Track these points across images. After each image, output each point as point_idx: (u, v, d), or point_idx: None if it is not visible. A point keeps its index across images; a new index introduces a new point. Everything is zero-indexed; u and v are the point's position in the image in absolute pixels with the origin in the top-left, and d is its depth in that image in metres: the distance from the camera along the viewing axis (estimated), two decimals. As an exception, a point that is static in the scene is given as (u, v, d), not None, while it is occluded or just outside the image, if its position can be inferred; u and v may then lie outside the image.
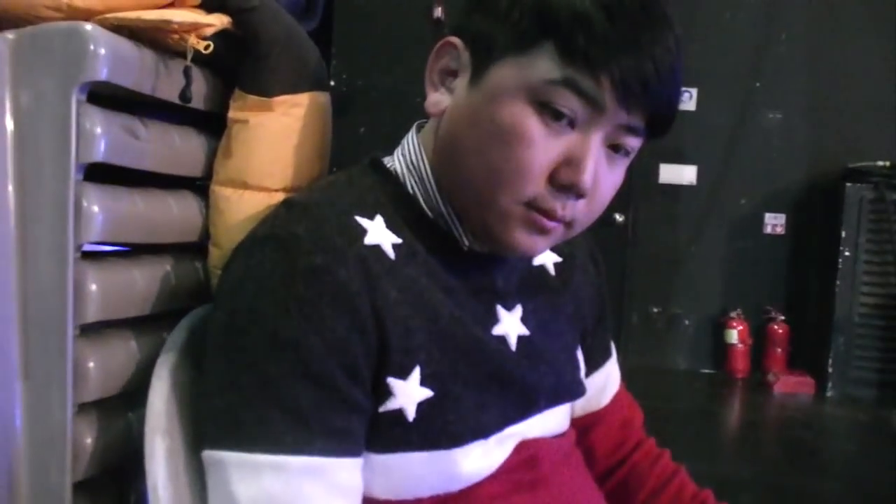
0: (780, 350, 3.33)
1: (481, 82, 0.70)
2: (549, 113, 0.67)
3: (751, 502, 1.99)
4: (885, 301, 3.12)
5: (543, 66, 0.66)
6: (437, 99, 0.74)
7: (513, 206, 0.69)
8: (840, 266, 3.13)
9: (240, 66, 0.89)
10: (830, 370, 3.13)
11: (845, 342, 3.13)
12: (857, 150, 3.30)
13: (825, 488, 2.16)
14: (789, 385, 3.17)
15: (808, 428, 2.75)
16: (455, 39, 0.73)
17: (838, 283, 3.13)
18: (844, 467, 2.39)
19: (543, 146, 0.67)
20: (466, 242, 0.75)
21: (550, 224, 0.70)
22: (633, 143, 0.71)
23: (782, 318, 3.35)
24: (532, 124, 0.67)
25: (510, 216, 0.70)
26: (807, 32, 3.42)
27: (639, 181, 3.37)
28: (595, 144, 0.68)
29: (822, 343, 3.18)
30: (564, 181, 0.68)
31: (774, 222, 3.47)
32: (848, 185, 3.12)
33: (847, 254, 3.12)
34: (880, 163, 3.13)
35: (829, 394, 3.13)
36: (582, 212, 0.71)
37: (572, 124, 0.68)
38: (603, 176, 0.70)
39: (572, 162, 0.68)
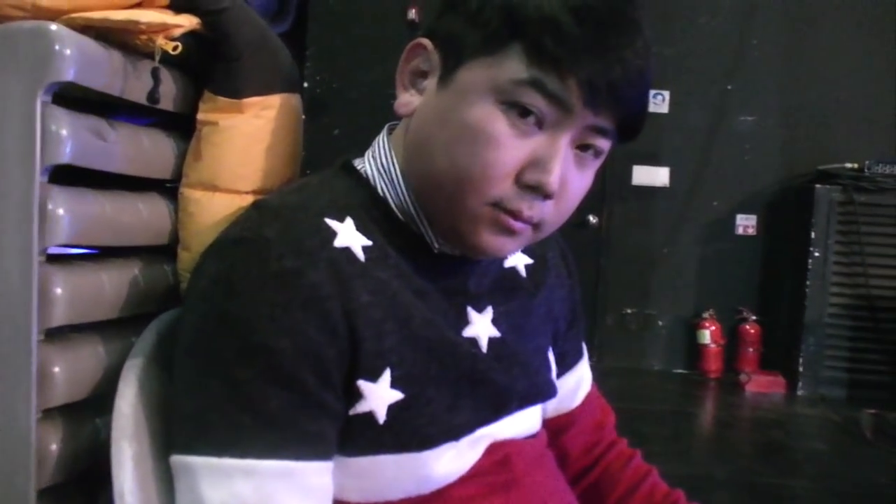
0: (752, 350, 3.36)
1: (450, 83, 0.70)
2: (517, 112, 0.67)
3: (724, 501, 2.01)
4: (854, 301, 3.16)
5: (511, 66, 0.67)
6: (407, 100, 0.74)
7: (479, 206, 0.69)
8: (810, 267, 3.16)
9: (210, 68, 0.88)
10: (801, 370, 3.17)
11: (816, 342, 3.17)
12: (828, 152, 3.34)
13: (797, 486, 2.18)
14: (761, 385, 3.20)
15: (780, 427, 2.78)
16: (425, 41, 0.73)
17: (808, 283, 3.16)
18: (815, 466, 2.41)
19: (510, 146, 0.68)
20: (436, 245, 0.75)
21: (517, 225, 0.70)
22: (603, 144, 0.71)
23: (754, 318, 3.38)
24: (499, 125, 0.67)
25: (477, 217, 0.70)
26: (780, 36, 3.46)
27: (612, 183, 3.39)
28: (562, 145, 0.68)
29: (794, 343, 3.21)
30: (531, 182, 0.68)
31: (746, 223, 3.50)
32: (817, 186, 3.16)
33: (817, 255, 3.16)
34: (848, 165, 3.17)
35: (799, 393, 3.16)
36: (550, 213, 0.71)
37: (540, 125, 0.68)
38: (571, 177, 0.71)
39: (539, 163, 0.68)
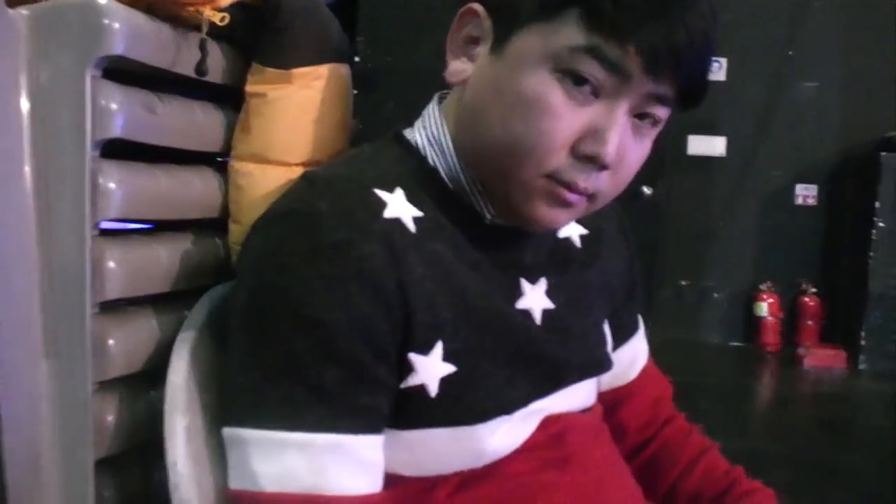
0: (811, 323, 3.29)
1: (504, 51, 0.68)
2: (572, 80, 0.65)
3: (781, 477, 1.97)
4: (921, 273, 3.06)
5: (568, 33, 0.64)
6: (459, 68, 0.72)
7: (534, 178, 0.68)
8: (874, 238, 3.06)
9: (258, 39, 0.87)
10: (863, 343, 3.09)
11: (880, 315, 3.08)
12: (891, 119, 3.22)
13: (856, 462, 2.13)
14: (821, 359, 3.13)
15: (840, 402, 2.72)
16: (477, 6, 0.71)
17: (872, 255, 3.07)
18: (876, 442, 2.35)
19: (566, 116, 0.65)
20: (488, 216, 0.74)
21: (572, 197, 0.68)
22: (662, 112, 0.68)
23: (814, 290, 3.30)
24: (555, 94, 0.65)
25: (531, 189, 0.68)
26: (841, 1, 3.33)
27: (667, 153, 3.32)
28: (620, 115, 0.66)
29: (856, 317, 3.13)
30: (587, 152, 0.66)
31: (806, 193, 3.41)
32: (883, 154, 3.05)
33: (882, 225, 3.06)
34: (917, 131, 3.06)
35: (861, 367, 3.08)
36: (606, 184, 0.69)
37: (596, 93, 0.65)
38: (628, 147, 0.68)
39: (595, 133, 0.66)
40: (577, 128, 0.66)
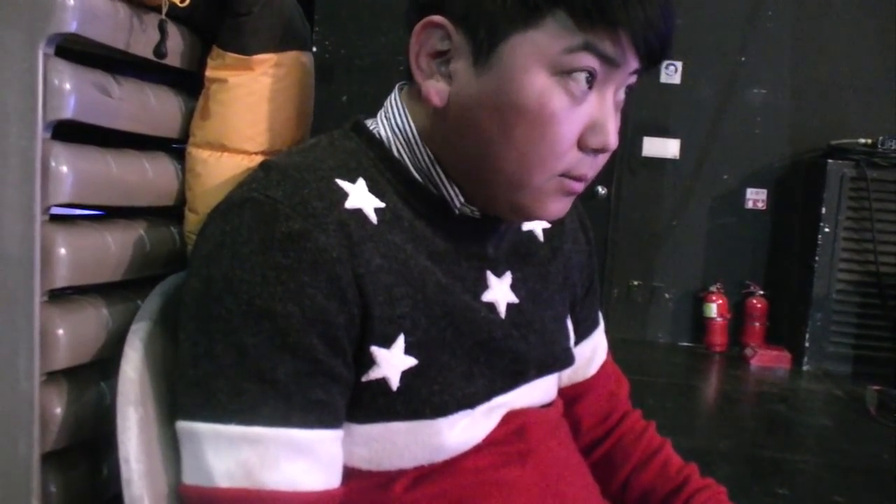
0: (758, 324, 3.36)
1: (490, 64, 0.66)
2: (571, 80, 0.65)
3: (728, 474, 2.01)
4: (862, 278, 3.15)
5: (558, 35, 0.64)
6: (439, 88, 0.69)
7: (548, 181, 0.69)
8: (819, 242, 3.14)
9: (219, 23, 0.85)
10: (807, 345, 3.17)
11: (822, 318, 3.16)
12: (839, 127, 3.31)
13: (799, 460, 2.19)
14: (766, 359, 3.20)
15: (784, 401, 2.78)
16: (439, 19, 0.68)
17: (817, 259, 3.15)
18: (818, 440, 2.42)
19: (571, 118, 0.66)
20: (458, 204, 0.73)
21: (580, 186, 0.71)
22: (635, 80, 0.71)
23: (761, 292, 3.37)
24: (557, 99, 0.65)
25: (546, 190, 0.70)
26: (793, 9, 3.41)
27: (622, 154, 3.36)
28: (610, 101, 0.68)
29: (800, 318, 3.21)
30: (594, 145, 0.68)
31: (756, 197, 3.48)
32: (829, 162, 3.13)
33: (827, 230, 3.14)
34: (861, 140, 3.14)
35: (805, 368, 3.16)
36: (600, 163, 0.72)
37: (591, 86, 0.67)
38: (617, 124, 0.70)
39: (596, 125, 0.68)
40: (581, 125, 0.67)
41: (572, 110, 0.66)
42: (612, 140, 0.68)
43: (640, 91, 3.33)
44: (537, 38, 0.64)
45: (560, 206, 0.72)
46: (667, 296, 3.54)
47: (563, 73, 0.65)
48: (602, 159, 0.71)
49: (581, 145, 0.68)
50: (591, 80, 0.66)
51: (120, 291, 0.80)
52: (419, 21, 0.68)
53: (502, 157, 0.68)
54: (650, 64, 0.68)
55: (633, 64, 0.67)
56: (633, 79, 0.70)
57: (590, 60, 0.65)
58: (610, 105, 0.68)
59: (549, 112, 0.65)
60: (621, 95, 0.71)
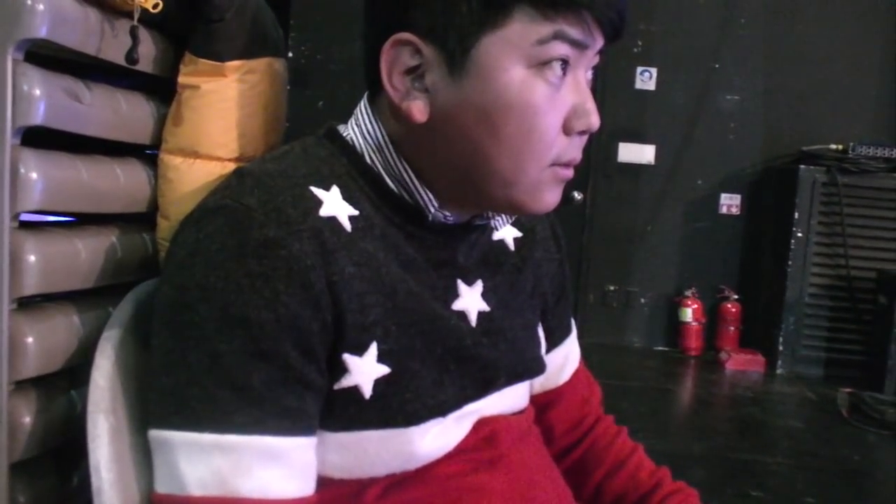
0: (732, 328, 3.39)
1: (466, 70, 0.67)
2: (549, 70, 0.67)
3: (702, 476, 2.03)
4: (834, 282, 3.20)
5: (528, 28, 0.65)
6: (419, 106, 0.69)
7: (541, 171, 0.70)
8: (792, 247, 3.18)
9: (192, 29, 0.85)
10: (780, 348, 3.20)
11: (795, 322, 3.20)
12: (811, 133, 3.35)
13: (773, 463, 2.21)
14: (740, 363, 3.23)
15: (758, 404, 2.81)
16: (407, 35, 0.68)
17: (790, 263, 3.19)
18: (791, 443, 2.45)
19: (555, 107, 0.68)
20: (432, 210, 0.73)
21: (571, 171, 0.72)
22: (598, 61, 0.72)
23: (735, 297, 3.41)
24: (538, 91, 0.67)
25: (540, 181, 0.71)
26: (767, 16, 3.45)
27: (598, 160, 3.38)
28: (584, 84, 0.70)
29: (773, 322, 3.24)
30: (581, 128, 0.70)
31: (730, 203, 3.51)
32: (801, 167, 3.17)
33: (799, 235, 3.18)
34: (833, 146, 3.19)
35: (778, 371, 3.20)
36: (583, 144, 0.73)
37: (565, 72, 0.68)
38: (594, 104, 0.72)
39: (578, 109, 0.69)
40: (564, 112, 0.69)
41: (554, 98, 0.68)
42: (595, 120, 0.70)
43: (615, 97, 3.36)
44: (508, 35, 0.65)
45: (554, 197, 0.73)
46: (642, 300, 3.56)
47: (540, 64, 0.66)
48: (585, 139, 0.73)
49: (567, 130, 0.70)
50: (565, 66, 0.68)
51: (91, 299, 0.80)
52: (381, 41, 0.68)
53: (495, 157, 0.68)
54: (613, 40, 0.70)
55: (599, 43, 0.69)
56: (597, 59, 0.72)
57: (562, 48, 0.66)
58: (585, 87, 0.70)
59: (533, 104, 0.67)
60: (589, 75, 0.72)
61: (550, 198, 0.73)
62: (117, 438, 0.68)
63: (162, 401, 0.63)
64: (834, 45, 3.41)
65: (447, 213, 0.74)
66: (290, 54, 3.34)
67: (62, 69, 0.74)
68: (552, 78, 0.67)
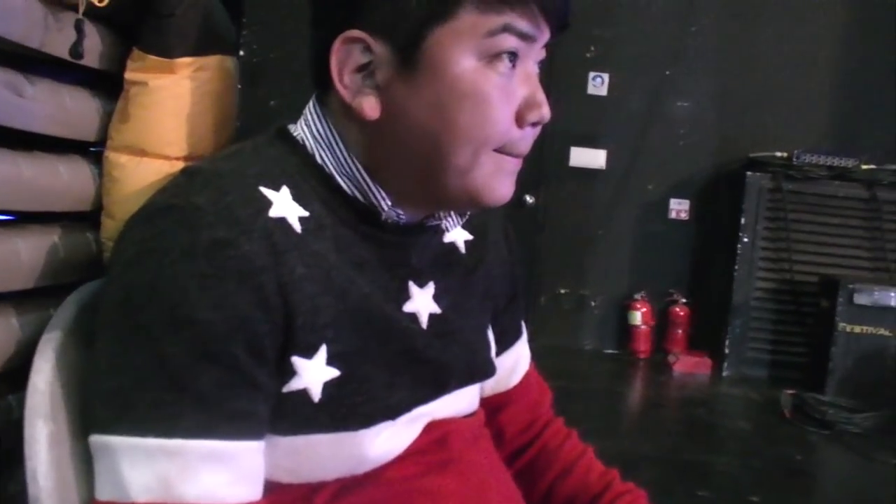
0: (680, 331, 3.44)
1: (417, 65, 0.67)
2: (500, 61, 0.68)
3: (651, 477, 2.05)
4: (778, 286, 3.27)
5: (477, 20, 0.66)
6: (372, 104, 0.69)
7: (495, 161, 0.71)
8: (739, 252, 3.24)
9: (140, 24, 0.83)
10: (727, 351, 3.26)
11: (741, 325, 3.27)
12: (759, 140, 3.43)
13: (720, 462, 2.25)
14: (688, 365, 3.28)
15: (705, 406, 2.86)
16: (357, 33, 0.68)
17: (737, 268, 3.25)
18: (738, 443, 2.50)
19: (507, 97, 0.69)
20: (385, 208, 0.73)
21: (520, 162, 0.73)
22: (544, 56, 0.73)
23: (684, 300, 3.46)
24: (490, 81, 0.68)
25: (494, 172, 0.71)
26: (718, 24, 3.52)
27: (550, 163, 3.41)
28: (534, 76, 0.71)
29: (720, 325, 3.30)
30: (533, 120, 0.71)
31: (679, 208, 3.57)
32: (748, 174, 3.24)
33: (746, 240, 3.24)
34: (778, 153, 3.26)
35: (724, 373, 3.25)
36: (534, 136, 0.74)
37: (514, 64, 0.69)
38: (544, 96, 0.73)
39: (529, 100, 0.70)
40: (517, 102, 0.70)
41: (506, 89, 0.69)
42: (547, 111, 0.71)
43: (568, 102, 3.39)
44: (458, 28, 0.66)
45: (508, 188, 0.73)
46: (593, 304, 3.60)
47: (490, 56, 0.67)
48: (537, 132, 0.73)
49: (519, 122, 0.70)
50: (514, 59, 0.69)
51: (31, 300, 0.77)
52: (330, 40, 0.68)
53: (450, 148, 0.69)
54: (559, 32, 0.71)
55: (546, 36, 0.70)
56: (543, 53, 0.73)
57: (510, 41, 0.67)
58: (535, 79, 0.71)
59: (487, 94, 0.68)
60: (536, 69, 0.73)
61: (504, 189, 0.73)
62: (57, 445, 0.66)
63: (105, 404, 0.62)
64: (784, 54, 3.49)
65: (400, 212, 0.73)
66: (242, 52, 3.30)
67: (3, 62, 0.72)
68: (502, 69, 0.68)
